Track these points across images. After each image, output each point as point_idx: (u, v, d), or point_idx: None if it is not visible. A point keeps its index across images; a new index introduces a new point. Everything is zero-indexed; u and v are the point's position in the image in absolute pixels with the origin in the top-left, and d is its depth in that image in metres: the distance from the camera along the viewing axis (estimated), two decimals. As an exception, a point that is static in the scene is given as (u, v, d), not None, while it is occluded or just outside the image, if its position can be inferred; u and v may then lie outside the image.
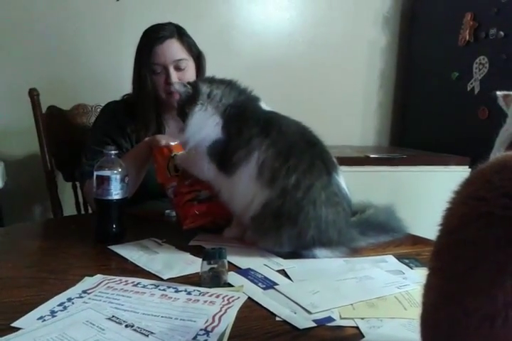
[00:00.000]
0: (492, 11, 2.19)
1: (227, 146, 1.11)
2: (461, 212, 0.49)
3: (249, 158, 1.08)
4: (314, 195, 1.05)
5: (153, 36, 1.50)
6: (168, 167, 1.26)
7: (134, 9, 2.22)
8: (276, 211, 1.06)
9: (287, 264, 1.02)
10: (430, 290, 0.51)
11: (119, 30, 2.20)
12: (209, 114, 1.13)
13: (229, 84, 1.18)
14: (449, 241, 0.50)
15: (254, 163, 1.08)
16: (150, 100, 1.52)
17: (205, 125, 1.13)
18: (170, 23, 1.54)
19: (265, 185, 1.07)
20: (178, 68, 1.50)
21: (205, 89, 1.15)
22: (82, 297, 0.82)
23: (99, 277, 0.91)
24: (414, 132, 2.78)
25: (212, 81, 1.19)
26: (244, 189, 1.09)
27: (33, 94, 1.73)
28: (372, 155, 2.26)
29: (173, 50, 1.49)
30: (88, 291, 0.85)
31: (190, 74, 1.52)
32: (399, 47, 2.80)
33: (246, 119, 1.12)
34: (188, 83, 1.18)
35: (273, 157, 1.07)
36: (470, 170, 2.20)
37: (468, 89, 2.34)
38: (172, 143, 1.30)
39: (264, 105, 1.18)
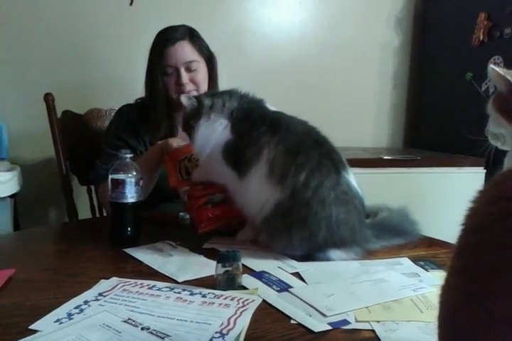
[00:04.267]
0: (506, 10, 2.17)
1: (238, 146, 1.12)
2: (487, 211, 0.49)
3: (259, 157, 1.09)
4: (323, 194, 1.05)
5: (165, 38, 1.52)
6: (179, 170, 1.27)
7: (147, 13, 2.24)
8: (285, 212, 1.06)
9: (302, 267, 1.02)
10: (451, 290, 0.51)
11: (132, 34, 2.22)
12: (214, 122, 1.15)
13: (229, 92, 1.21)
14: (474, 241, 0.49)
15: (265, 161, 1.08)
16: (161, 101, 1.53)
17: (213, 132, 1.14)
18: (183, 26, 1.56)
19: (276, 184, 1.07)
20: (189, 69, 1.51)
21: (207, 102, 1.17)
22: (98, 300, 0.83)
23: (114, 280, 0.92)
24: (428, 133, 2.76)
25: (213, 94, 1.23)
26: (257, 190, 1.09)
27: (49, 99, 1.75)
28: (385, 157, 2.25)
29: (184, 51, 1.51)
30: (104, 294, 0.85)
31: (201, 76, 1.53)
32: (412, 48, 2.79)
33: (253, 119, 1.13)
34: (194, 96, 1.21)
35: (282, 154, 1.08)
36: (485, 171, 2.19)
37: (483, 89, 2.32)
38: (182, 145, 1.30)
39: (269, 106, 1.19)
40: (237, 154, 1.11)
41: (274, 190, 1.07)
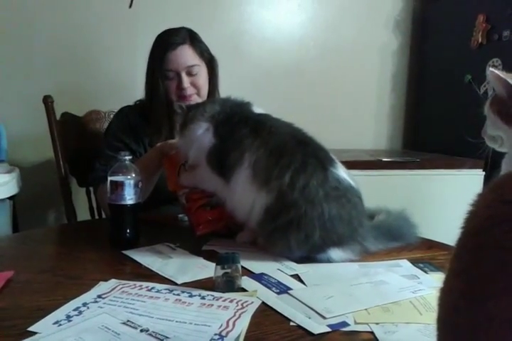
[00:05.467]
0: (505, 12, 2.18)
1: (221, 150, 1.12)
2: (487, 214, 0.49)
3: (242, 160, 1.09)
4: (311, 193, 1.04)
5: (166, 42, 1.52)
6: (179, 174, 1.27)
7: (146, 16, 2.24)
8: (276, 216, 1.06)
9: (301, 269, 1.02)
10: (450, 293, 0.51)
11: (131, 37, 2.22)
12: (193, 128, 1.16)
13: (215, 99, 1.26)
14: (473, 243, 0.49)
15: (247, 164, 1.08)
16: (162, 104, 1.53)
17: (193, 135, 1.16)
18: (183, 28, 1.56)
19: (261, 187, 1.07)
20: (190, 74, 1.51)
21: (191, 113, 1.20)
22: (97, 302, 0.83)
23: (113, 282, 0.92)
24: (427, 135, 2.76)
25: (202, 103, 1.26)
26: (243, 194, 1.09)
27: (48, 101, 1.75)
28: (384, 159, 2.25)
29: (186, 56, 1.51)
30: (103, 296, 0.85)
31: (202, 79, 1.54)
32: (411, 50, 2.79)
33: (235, 122, 1.14)
34: (186, 106, 1.25)
35: (264, 157, 1.08)
36: (484, 173, 2.19)
37: (482, 91, 2.32)
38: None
39: (257, 109, 1.20)
40: (221, 158, 1.12)
41: (259, 194, 1.07)
